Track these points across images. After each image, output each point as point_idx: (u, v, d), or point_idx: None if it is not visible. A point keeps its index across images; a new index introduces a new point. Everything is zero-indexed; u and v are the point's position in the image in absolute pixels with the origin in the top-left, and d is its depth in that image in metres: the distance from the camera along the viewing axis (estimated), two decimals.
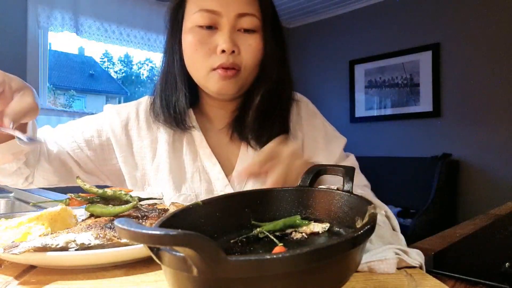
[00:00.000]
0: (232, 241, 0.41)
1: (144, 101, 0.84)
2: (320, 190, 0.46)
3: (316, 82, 3.81)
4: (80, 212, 0.57)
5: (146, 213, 0.51)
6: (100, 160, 0.80)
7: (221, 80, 0.70)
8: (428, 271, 0.43)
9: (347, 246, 0.27)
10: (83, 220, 0.53)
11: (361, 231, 0.28)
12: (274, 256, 0.24)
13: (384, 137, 3.50)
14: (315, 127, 0.85)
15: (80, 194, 0.55)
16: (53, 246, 0.40)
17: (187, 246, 0.22)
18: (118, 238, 0.43)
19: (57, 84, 3.57)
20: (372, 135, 3.58)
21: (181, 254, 0.24)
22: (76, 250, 0.41)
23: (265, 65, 0.74)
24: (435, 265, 0.55)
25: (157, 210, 0.53)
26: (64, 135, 0.78)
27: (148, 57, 4.17)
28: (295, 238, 0.42)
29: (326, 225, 0.42)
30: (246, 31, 0.71)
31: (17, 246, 0.39)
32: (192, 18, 0.71)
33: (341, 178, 0.44)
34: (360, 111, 3.67)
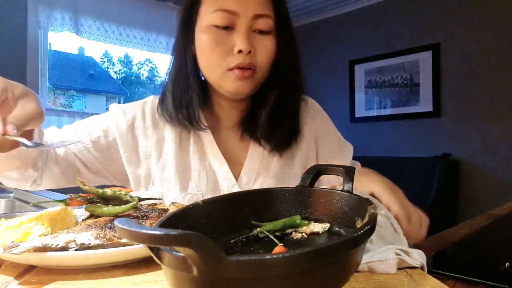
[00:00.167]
0: (232, 241, 0.41)
1: (150, 101, 0.84)
2: (320, 190, 0.46)
3: (316, 82, 3.81)
4: (80, 212, 0.57)
5: (146, 213, 0.51)
6: (107, 160, 0.80)
7: (238, 80, 0.71)
8: (428, 271, 0.43)
9: (347, 246, 0.27)
10: (83, 220, 0.53)
11: (361, 231, 0.28)
12: (274, 256, 0.23)
13: (384, 137, 3.50)
14: (329, 131, 0.88)
15: (80, 194, 0.55)
16: (53, 246, 0.40)
17: (187, 246, 0.22)
18: (118, 238, 0.43)
19: (57, 84, 3.57)
20: (372, 135, 3.58)
21: (181, 254, 0.24)
22: (76, 250, 0.41)
23: (278, 66, 0.75)
24: (435, 265, 0.55)
25: (157, 210, 0.53)
26: (70, 137, 0.78)
27: (148, 58, 4.18)
28: (295, 238, 0.42)
29: (326, 225, 0.42)
30: (261, 32, 0.72)
31: (17, 246, 0.39)
32: (209, 17, 0.71)
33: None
34: (360, 111, 3.67)
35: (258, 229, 0.42)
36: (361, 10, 3.66)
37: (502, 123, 2.84)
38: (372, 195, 0.61)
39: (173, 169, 0.77)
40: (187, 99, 0.76)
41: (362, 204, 0.37)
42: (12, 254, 0.38)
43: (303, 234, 0.42)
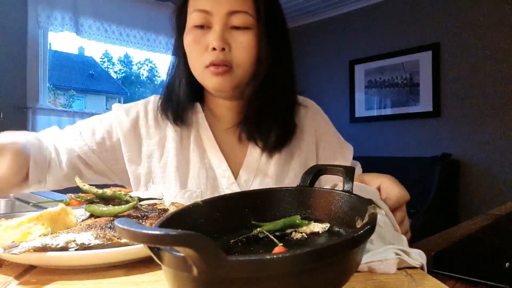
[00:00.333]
0: (232, 241, 0.41)
1: (152, 100, 0.85)
2: (320, 190, 0.46)
3: (316, 82, 3.81)
4: (80, 212, 0.57)
5: (146, 213, 0.51)
6: (112, 160, 0.80)
7: (214, 76, 0.72)
8: (428, 271, 0.43)
9: (347, 246, 0.27)
10: (83, 220, 0.53)
11: (361, 231, 0.28)
12: (274, 256, 0.23)
13: (384, 137, 3.50)
14: (329, 132, 0.89)
15: (80, 194, 0.55)
16: (53, 246, 0.40)
17: (187, 246, 0.22)
18: (118, 238, 0.43)
19: (57, 84, 3.57)
20: (372, 135, 3.58)
21: (181, 254, 0.24)
22: (76, 250, 0.41)
23: (258, 62, 0.74)
24: (435, 265, 0.55)
25: (157, 210, 0.53)
26: (74, 138, 0.78)
27: (148, 58, 4.17)
28: (295, 238, 0.42)
29: (326, 225, 0.42)
30: (239, 28, 0.72)
31: (17, 246, 0.39)
32: (189, 19, 0.73)
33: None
34: (360, 111, 3.67)
35: (258, 229, 0.42)
36: (361, 10, 3.66)
37: (502, 123, 2.84)
38: (378, 188, 0.62)
39: (173, 167, 0.78)
40: (175, 96, 0.79)
41: (362, 204, 0.37)
42: (12, 254, 0.38)
43: (303, 234, 0.42)
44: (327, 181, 0.77)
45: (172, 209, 0.55)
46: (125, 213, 0.51)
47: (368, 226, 0.29)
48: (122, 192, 0.55)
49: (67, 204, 0.54)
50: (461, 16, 3.03)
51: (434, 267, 0.53)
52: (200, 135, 0.81)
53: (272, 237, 0.40)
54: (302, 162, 0.83)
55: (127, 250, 0.42)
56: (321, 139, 0.87)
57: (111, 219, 0.49)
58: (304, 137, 0.84)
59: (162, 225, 0.36)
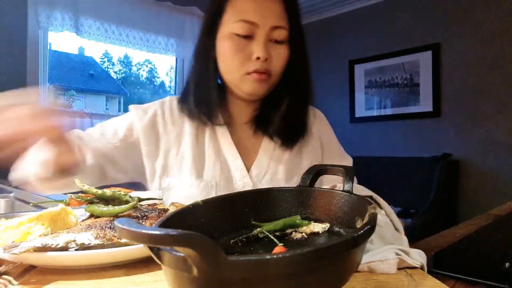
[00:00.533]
0: (232, 241, 0.41)
1: (168, 101, 0.92)
2: (320, 190, 0.46)
3: (316, 81, 3.80)
4: (80, 212, 0.57)
5: (146, 213, 0.51)
6: (134, 156, 0.85)
7: (255, 83, 0.80)
8: (428, 271, 0.43)
9: (347, 246, 0.27)
10: (83, 220, 0.53)
11: (361, 231, 0.28)
12: (275, 256, 0.23)
13: (384, 137, 3.50)
14: (333, 142, 0.97)
15: (79, 194, 0.55)
16: (53, 246, 0.40)
17: (187, 246, 0.22)
18: (118, 238, 0.43)
19: (57, 84, 3.57)
20: (372, 135, 3.58)
21: (181, 254, 0.24)
22: (76, 250, 0.41)
23: (290, 72, 0.84)
24: (435, 265, 0.55)
25: (157, 210, 0.53)
26: (97, 138, 0.82)
27: (147, 59, 4.17)
28: (295, 238, 0.42)
29: (326, 225, 0.42)
30: (277, 41, 0.80)
31: (17, 246, 0.39)
32: (232, 26, 0.79)
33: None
34: (360, 111, 3.67)
35: (258, 229, 0.42)
36: (361, 10, 3.66)
37: (502, 123, 2.84)
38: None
39: (190, 160, 0.84)
40: (207, 98, 0.84)
41: (362, 204, 0.37)
42: (12, 254, 0.38)
43: (303, 234, 0.42)
44: (328, 182, 0.78)
45: (172, 209, 0.55)
46: (125, 213, 0.51)
47: (368, 226, 0.29)
48: (122, 192, 0.55)
49: (67, 204, 0.54)
50: (461, 16, 3.03)
51: (434, 267, 0.53)
52: (216, 130, 0.87)
53: (272, 237, 0.40)
54: (310, 162, 0.90)
55: (127, 250, 0.42)
56: (325, 148, 0.94)
57: (111, 219, 0.49)
58: (311, 141, 0.92)
59: (162, 225, 0.36)
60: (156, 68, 4.22)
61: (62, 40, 3.10)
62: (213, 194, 0.81)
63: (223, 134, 0.87)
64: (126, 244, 0.43)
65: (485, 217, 1.01)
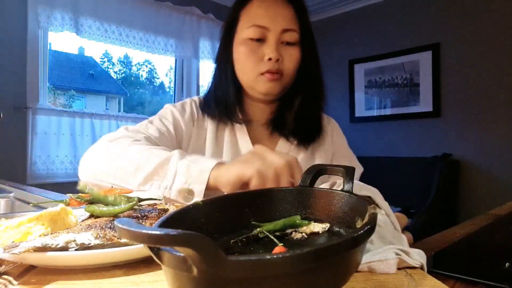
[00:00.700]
0: (232, 241, 0.41)
1: (197, 99, 0.98)
2: (320, 190, 0.46)
3: None
4: (80, 212, 0.57)
5: (146, 213, 0.51)
6: (184, 149, 0.90)
7: (268, 82, 0.85)
8: (428, 271, 0.43)
9: (347, 246, 0.27)
10: (83, 220, 0.53)
11: (362, 231, 0.28)
12: (275, 256, 0.23)
13: (384, 137, 3.50)
14: (344, 150, 1.01)
15: (79, 194, 0.55)
16: (53, 246, 0.40)
17: (187, 246, 0.22)
18: (118, 238, 0.43)
19: (57, 84, 3.56)
20: (372, 135, 3.58)
21: (181, 254, 0.24)
22: (76, 250, 0.41)
23: (302, 73, 0.89)
24: (435, 265, 0.55)
25: (157, 210, 0.53)
26: (159, 135, 0.84)
27: (147, 59, 4.16)
28: (295, 238, 0.42)
29: (326, 225, 0.42)
30: (288, 43, 0.85)
31: (17, 246, 0.39)
32: (245, 32, 0.85)
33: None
34: (360, 111, 3.67)
35: (258, 229, 0.42)
36: (361, 10, 3.66)
37: (502, 123, 2.84)
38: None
39: (209, 154, 0.90)
40: (226, 98, 0.91)
41: (362, 204, 0.37)
42: (12, 254, 0.38)
43: (303, 234, 0.42)
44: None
45: (172, 209, 0.55)
46: (125, 213, 0.51)
47: (368, 226, 0.29)
48: (123, 197, 0.55)
49: (67, 204, 0.54)
50: (461, 16, 3.04)
51: (434, 267, 0.53)
52: (235, 130, 0.93)
53: (272, 237, 0.40)
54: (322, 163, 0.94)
55: (127, 250, 0.42)
56: (335, 154, 0.98)
57: (111, 219, 0.49)
58: (324, 145, 0.96)
59: (162, 225, 0.36)
60: (155, 69, 4.21)
61: (62, 40, 3.09)
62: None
63: (241, 133, 0.92)
64: (126, 244, 0.43)
65: (485, 217, 1.01)
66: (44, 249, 0.40)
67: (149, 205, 0.58)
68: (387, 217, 0.50)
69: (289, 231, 0.43)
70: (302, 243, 0.40)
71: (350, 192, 0.42)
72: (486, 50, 2.91)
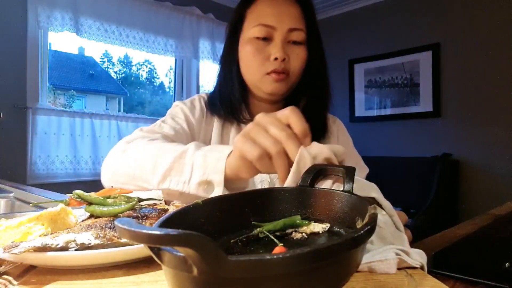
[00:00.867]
0: (232, 241, 0.41)
1: (205, 95, 0.98)
2: (321, 190, 0.46)
3: None
4: (80, 212, 0.57)
5: (146, 213, 0.51)
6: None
7: (274, 82, 0.84)
8: (428, 271, 0.43)
9: (347, 247, 0.27)
10: (83, 220, 0.53)
11: (362, 232, 0.28)
12: (275, 256, 0.23)
13: (384, 137, 3.50)
14: (350, 151, 1.00)
15: (76, 192, 0.55)
16: (53, 246, 0.40)
17: (188, 246, 0.22)
18: (118, 238, 0.43)
19: (57, 84, 3.56)
20: (372, 135, 3.58)
21: (182, 254, 0.24)
22: (76, 250, 0.41)
23: (308, 72, 0.88)
24: (435, 265, 0.55)
25: (157, 210, 0.53)
26: (175, 133, 0.84)
27: (147, 59, 4.16)
28: (295, 238, 0.42)
29: (326, 225, 0.42)
30: (295, 43, 0.84)
31: (17, 246, 0.39)
32: (251, 31, 0.84)
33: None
34: (360, 111, 3.67)
35: (258, 229, 0.42)
36: (361, 10, 3.66)
37: (502, 123, 2.84)
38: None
39: None
40: (231, 97, 0.90)
41: (363, 204, 0.37)
42: (12, 254, 0.38)
43: (303, 234, 0.42)
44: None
45: (172, 209, 0.55)
46: (125, 213, 0.51)
47: (368, 227, 0.29)
48: (123, 198, 0.55)
49: (67, 204, 0.54)
50: (461, 16, 3.04)
51: (434, 267, 0.53)
52: (241, 128, 0.93)
53: (272, 237, 0.40)
54: None
55: (127, 250, 0.42)
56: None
57: (111, 219, 0.49)
58: (330, 143, 0.94)
59: (162, 224, 0.36)
60: (155, 69, 4.21)
61: (62, 40, 3.09)
62: None
63: None
64: (126, 244, 0.43)
65: (485, 217, 1.01)
66: (44, 249, 0.40)
67: (149, 205, 0.58)
68: (388, 217, 0.50)
69: (289, 231, 0.43)
70: (302, 243, 0.40)
71: (350, 192, 0.42)
72: (486, 50, 2.91)
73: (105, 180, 0.74)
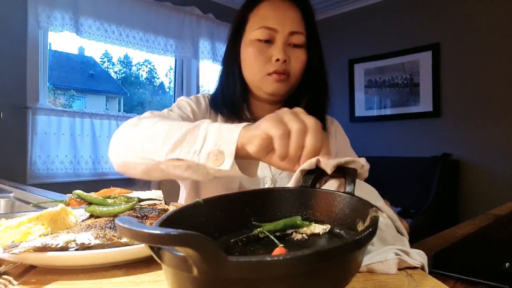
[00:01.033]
0: (232, 240, 0.41)
1: (208, 95, 0.99)
2: (322, 191, 0.45)
3: None
4: (80, 212, 0.57)
5: (146, 213, 0.51)
6: None
7: (275, 82, 0.86)
8: (428, 271, 0.43)
9: (348, 249, 0.27)
10: (83, 220, 0.53)
11: (363, 234, 0.28)
12: (275, 258, 0.23)
13: (384, 137, 3.50)
14: (346, 150, 1.02)
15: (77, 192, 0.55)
16: (53, 246, 0.40)
17: (188, 246, 0.22)
18: (118, 238, 0.43)
19: (57, 84, 3.56)
20: (372, 135, 3.58)
21: (182, 254, 0.24)
22: (76, 250, 0.41)
23: (307, 75, 0.91)
24: (435, 265, 0.55)
25: (157, 210, 0.53)
26: (176, 117, 0.84)
27: (147, 59, 4.16)
28: (295, 239, 0.42)
29: (326, 227, 0.42)
30: (295, 45, 0.88)
31: (17, 246, 0.39)
32: (254, 33, 0.87)
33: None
34: (360, 111, 3.67)
35: (258, 229, 0.42)
36: (361, 10, 3.66)
37: (502, 123, 2.84)
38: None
39: None
40: (233, 97, 0.92)
41: (364, 207, 0.37)
42: (12, 254, 0.38)
43: (304, 235, 0.42)
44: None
45: (172, 209, 0.55)
46: (125, 213, 0.51)
47: (370, 230, 0.29)
48: (122, 198, 0.55)
49: (67, 204, 0.54)
50: (461, 16, 3.04)
51: (434, 267, 0.53)
52: None
53: (273, 238, 0.40)
54: None
55: (127, 250, 0.42)
56: (337, 154, 0.99)
57: (111, 219, 0.49)
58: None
59: (163, 224, 0.36)
60: (155, 69, 4.21)
61: (62, 40, 3.09)
62: (235, 184, 0.86)
63: None
64: (126, 244, 0.43)
65: (485, 217, 1.01)
66: (44, 249, 0.40)
67: (149, 205, 0.58)
68: (389, 220, 0.50)
69: (289, 231, 0.43)
70: (303, 244, 0.40)
71: (351, 194, 0.42)
72: (486, 50, 2.91)
73: (112, 154, 0.72)
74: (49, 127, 2.67)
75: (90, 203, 0.53)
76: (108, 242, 0.43)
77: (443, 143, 3.11)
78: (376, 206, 0.36)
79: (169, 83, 3.99)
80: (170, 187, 1.22)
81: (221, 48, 3.59)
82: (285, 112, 0.54)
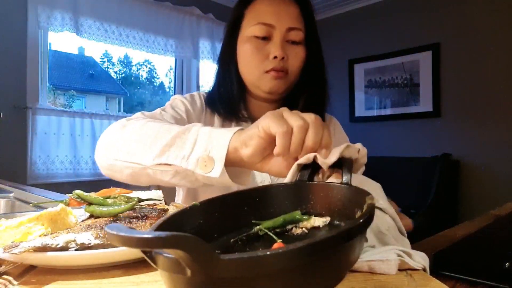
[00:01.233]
0: (232, 240, 0.41)
1: (204, 94, 0.97)
2: (319, 184, 0.45)
3: None
4: (80, 212, 0.57)
5: (146, 213, 0.51)
6: None
7: (273, 80, 0.84)
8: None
9: (342, 239, 0.26)
10: (83, 220, 0.53)
11: (356, 223, 0.28)
12: (268, 253, 0.23)
13: (384, 137, 3.50)
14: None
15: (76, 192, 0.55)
16: (53, 246, 0.40)
17: (177, 247, 0.22)
18: None
19: (57, 84, 3.56)
20: (372, 135, 3.58)
21: (173, 256, 0.24)
22: (76, 250, 0.41)
23: (306, 72, 0.88)
24: (436, 265, 0.55)
25: (157, 210, 0.53)
26: (169, 118, 0.83)
27: (147, 59, 4.16)
28: (295, 233, 0.41)
29: (326, 219, 0.42)
30: (293, 42, 0.85)
31: (17, 246, 0.39)
32: (250, 29, 0.85)
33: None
34: (360, 111, 3.67)
35: (257, 227, 0.42)
36: (361, 10, 3.66)
37: (502, 123, 2.84)
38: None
39: None
40: (229, 96, 0.90)
41: (360, 196, 0.36)
42: (12, 254, 0.38)
43: (304, 229, 0.42)
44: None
45: (172, 209, 0.55)
46: (125, 213, 0.51)
47: (364, 218, 0.29)
48: (122, 198, 0.55)
49: (67, 204, 0.54)
50: (461, 16, 3.03)
51: (435, 267, 0.53)
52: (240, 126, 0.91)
53: (271, 234, 0.40)
54: None
55: (127, 250, 0.42)
56: None
57: (111, 219, 0.49)
58: None
59: (160, 227, 0.35)
60: (155, 69, 4.21)
61: (62, 40, 3.09)
62: (232, 190, 0.83)
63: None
64: None
65: (485, 217, 1.01)
66: (44, 249, 0.40)
67: (149, 205, 0.58)
68: (392, 221, 0.50)
69: (289, 227, 0.43)
70: (302, 238, 0.40)
71: (348, 184, 0.41)
72: (486, 50, 2.91)
73: (98, 156, 0.68)
74: (49, 127, 2.67)
75: (90, 203, 0.53)
76: (108, 242, 0.43)
77: (443, 143, 3.11)
78: (370, 193, 0.35)
79: (169, 83, 4.00)
80: (170, 187, 1.21)
81: None
82: (283, 110, 0.53)
